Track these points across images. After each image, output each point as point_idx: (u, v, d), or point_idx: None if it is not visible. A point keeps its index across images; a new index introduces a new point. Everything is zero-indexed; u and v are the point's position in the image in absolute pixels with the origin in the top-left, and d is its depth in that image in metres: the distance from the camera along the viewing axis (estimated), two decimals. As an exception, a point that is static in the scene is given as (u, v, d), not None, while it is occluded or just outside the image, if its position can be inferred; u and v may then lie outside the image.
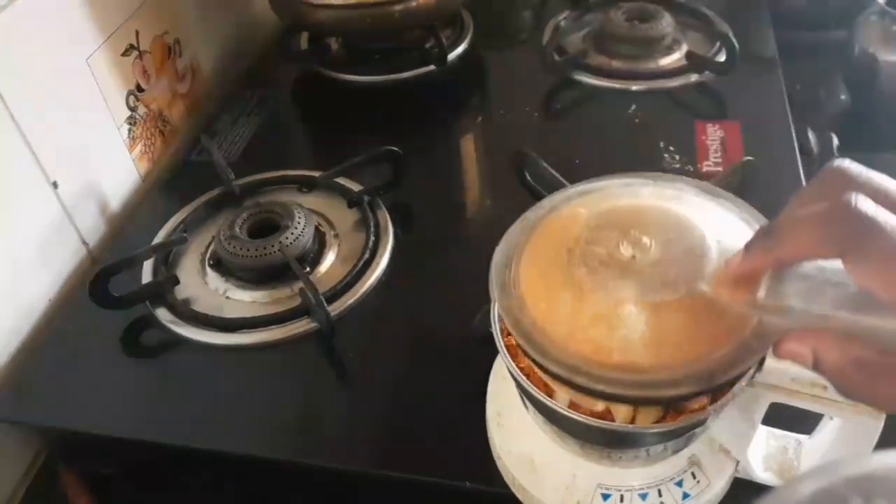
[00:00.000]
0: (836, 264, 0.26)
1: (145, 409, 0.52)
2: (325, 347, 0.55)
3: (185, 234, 0.63)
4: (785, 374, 0.33)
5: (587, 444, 0.38)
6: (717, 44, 0.78)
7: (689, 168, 0.65)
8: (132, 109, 0.70)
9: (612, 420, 0.33)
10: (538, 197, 0.58)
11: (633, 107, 0.74)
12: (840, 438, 0.37)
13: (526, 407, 0.39)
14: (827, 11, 0.91)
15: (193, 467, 0.54)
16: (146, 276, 0.60)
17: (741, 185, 0.56)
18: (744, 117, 0.70)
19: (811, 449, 0.39)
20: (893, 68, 0.81)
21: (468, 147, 0.76)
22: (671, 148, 0.68)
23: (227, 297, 0.58)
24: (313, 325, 0.54)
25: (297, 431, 0.50)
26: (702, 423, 0.34)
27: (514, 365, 0.35)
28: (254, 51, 0.91)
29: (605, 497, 0.39)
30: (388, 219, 0.63)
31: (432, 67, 0.80)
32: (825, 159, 0.73)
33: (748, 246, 0.29)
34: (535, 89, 0.78)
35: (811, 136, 0.74)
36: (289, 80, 0.85)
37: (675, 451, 0.39)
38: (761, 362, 0.32)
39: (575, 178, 0.57)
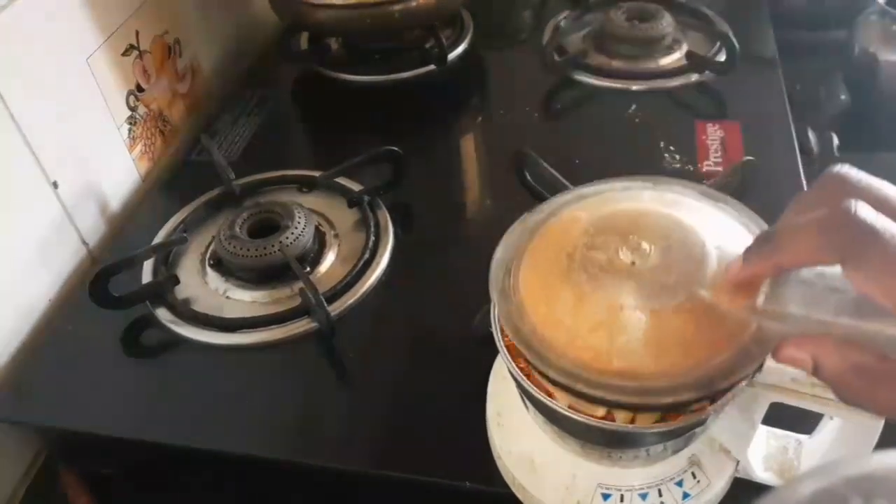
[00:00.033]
0: (836, 270, 0.26)
1: (145, 409, 0.52)
2: (325, 347, 0.55)
3: (185, 234, 0.63)
4: (785, 374, 0.33)
5: (587, 443, 0.38)
6: (717, 44, 0.78)
7: (689, 168, 0.65)
8: (132, 109, 0.70)
9: (613, 420, 0.33)
10: (538, 197, 0.59)
11: (634, 107, 0.74)
12: (840, 438, 0.37)
13: (526, 407, 0.39)
14: (827, 11, 0.91)
15: (193, 467, 0.54)
16: (146, 276, 0.60)
17: (741, 184, 0.56)
18: (744, 117, 0.70)
19: (811, 449, 0.39)
20: (893, 68, 0.81)
21: (468, 147, 0.76)
22: (671, 148, 0.68)
23: (227, 297, 0.58)
24: (313, 325, 0.54)
25: (297, 431, 0.50)
26: (702, 423, 0.34)
27: (514, 365, 0.35)
28: (254, 51, 0.91)
29: (606, 497, 0.39)
30: (388, 219, 0.63)
31: (432, 67, 0.80)
32: (825, 159, 0.73)
33: (748, 252, 0.29)
34: (535, 89, 0.78)
35: (811, 135, 0.74)
36: (289, 80, 0.85)
37: (675, 451, 0.39)
38: (761, 363, 0.32)
39: (575, 178, 0.57)
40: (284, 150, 0.77)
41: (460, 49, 0.83)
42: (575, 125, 0.75)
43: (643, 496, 0.39)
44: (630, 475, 0.39)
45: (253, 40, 0.92)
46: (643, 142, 0.69)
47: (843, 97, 0.86)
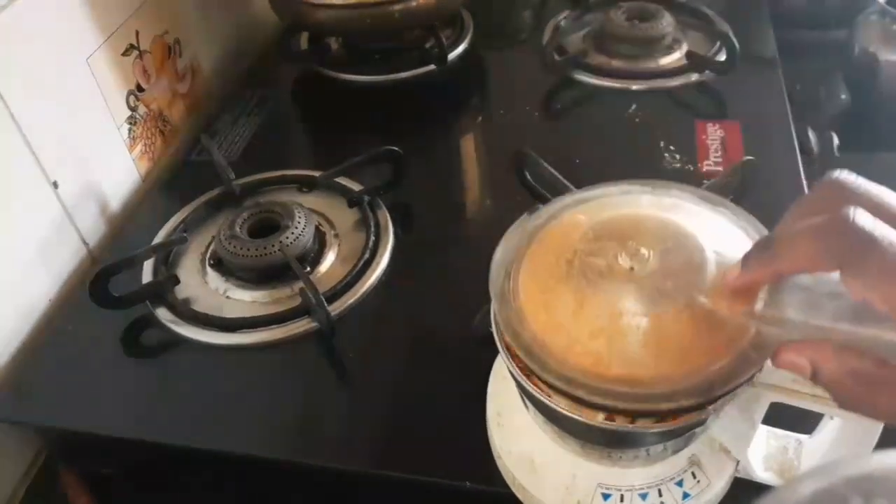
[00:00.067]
0: (835, 275, 0.26)
1: (145, 409, 0.52)
2: (325, 347, 0.55)
3: (185, 234, 0.63)
4: (785, 374, 0.33)
5: (587, 443, 0.38)
6: (718, 43, 0.78)
7: (689, 168, 0.65)
8: (132, 109, 0.70)
9: (613, 420, 0.33)
10: (538, 197, 0.59)
11: (634, 106, 0.74)
12: (840, 438, 0.37)
13: (526, 407, 0.39)
14: (827, 11, 0.91)
15: (193, 467, 0.54)
16: (146, 275, 0.60)
17: (741, 184, 0.56)
18: (744, 117, 0.70)
19: (811, 449, 0.39)
20: (893, 68, 0.81)
21: (468, 147, 0.76)
22: (671, 147, 0.68)
23: (228, 297, 0.58)
24: (313, 324, 0.54)
25: (297, 431, 0.50)
26: (702, 422, 0.34)
27: (514, 365, 0.35)
28: (254, 51, 0.91)
29: (606, 497, 0.39)
30: (389, 219, 0.63)
31: (432, 67, 0.80)
32: (825, 159, 0.73)
33: (746, 258, 0.30)
34: (535, 89, 0.78)
35: (811, 135, 0.74)
36: (289, 80, 0.85)
37: (676, 451, 0.39)
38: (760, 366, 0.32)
39: (575, 178, 0.57)
40: (284, 150, 0.77)
41: (460, 49, 0.83)
42: (575, 125, 0.75)
43: (643, 496, 0.39)
44: (630, 475, 0.39)
45: (253, 40, 0.92)
46: (643, 141, 0.69)
47: (843, 97, 0.86)
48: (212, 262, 0.61)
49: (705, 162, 0.66)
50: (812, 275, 0.28)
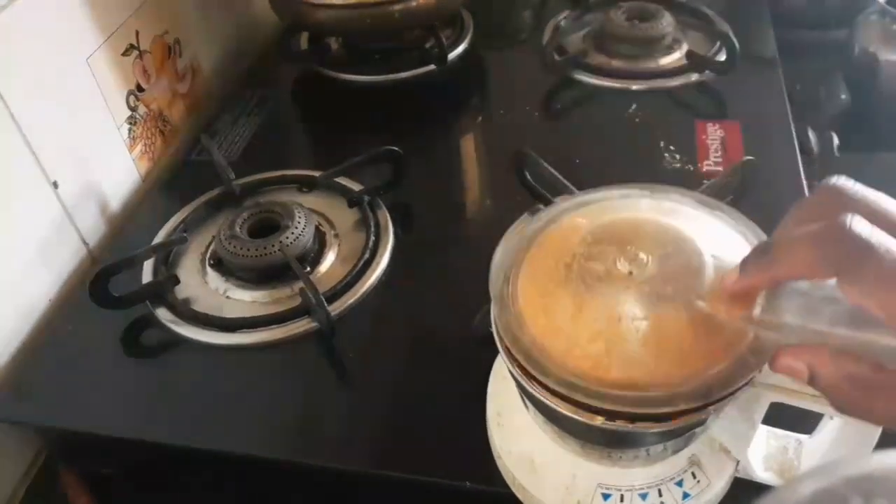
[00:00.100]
0: (832, 281, 0.26)
1: (145, 409, 0.52)
2: (325, 347, 0.55)
3: (185, 234, 0.63)
4: (785, 375, 0.33)
5: (587, 443, 0.38)
6: (718, 43, 0.78)
7: (689, 168, 0.65)
8: (132, 109, 0.70)
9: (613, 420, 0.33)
10: (538, 197, 0.59)
11: (634, 106, 0.74)
12: (840, 438, 0.37)
13: (526, 407, 0.39)
14: (827, 11, 0.91)
15: (193, 467, 0.54)
16: (146, 275, 0.60)
17: (741, 184, 0.56)
18: (744, 117, 0.70)
19: (811, 449, 0.39)
20: (893, 68, 0.81)
21: (468, 147, 0.76)
22: (671, 147, 0.68)
23: (228, 297, 0.58)
24: (313, 324, 0.54)
25: (297, 431, 0.50)
26: (702, 422, 0.34)
27: (514, 366, 0.35)
28: (254, 51, 0.91)
29: (606, 497, 0.39)
30: (389, 219, 0.63)
31: (432, 67, 0.80)
32: (825, 159, 0.73)
33: (744, 263, 0.30)
34: (535, 89, 0.78)
35: (811, 135, 0.74)
36: (289, 80, 0.85)
37: (675, 451, 0.39)
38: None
39: (575, 178, 0.57)
40: (284, 150, 0.77)
41: (460, 49, 0.83)
42: (575, 125, 0.75)
43: (643, 496, 0.39)
44: (630, 475, 0.39)
45: (253, 40, 0.92)
46: (643, 141, 0.69)
47: (843, 97, 0.86)
48: (212, 262, 0.61)
49: (705, 162, 0.66)
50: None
